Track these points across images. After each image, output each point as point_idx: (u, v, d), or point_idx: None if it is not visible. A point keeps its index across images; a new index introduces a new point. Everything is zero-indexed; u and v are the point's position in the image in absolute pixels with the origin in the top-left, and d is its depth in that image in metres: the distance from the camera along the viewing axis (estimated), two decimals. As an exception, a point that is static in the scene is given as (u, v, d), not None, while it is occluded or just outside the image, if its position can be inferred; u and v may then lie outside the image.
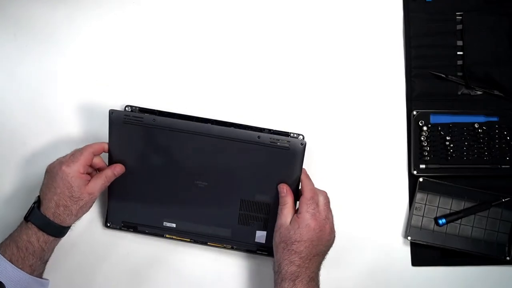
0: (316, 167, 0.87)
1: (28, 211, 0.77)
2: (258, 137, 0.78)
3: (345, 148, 0.88)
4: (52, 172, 0.77)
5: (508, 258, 0.85)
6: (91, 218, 0.87)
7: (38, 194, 0.79)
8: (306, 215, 0.74)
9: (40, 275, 0.78)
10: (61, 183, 0.76)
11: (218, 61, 0.90)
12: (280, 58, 0.90)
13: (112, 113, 0.79)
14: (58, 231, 0.77)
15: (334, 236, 0.77)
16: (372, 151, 0.88)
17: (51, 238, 0.77)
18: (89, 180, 0.78)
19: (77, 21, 0.90)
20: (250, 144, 0.78)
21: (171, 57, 0.90)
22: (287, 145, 0.77)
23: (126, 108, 0.85)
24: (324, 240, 0.75)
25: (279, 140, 0.78)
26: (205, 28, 0.90)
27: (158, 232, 0.85)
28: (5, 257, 0.74)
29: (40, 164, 0.87)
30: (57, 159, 0.79)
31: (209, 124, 0.79)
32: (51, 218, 0.76)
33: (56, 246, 0.79)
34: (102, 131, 0.87)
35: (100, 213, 0.87)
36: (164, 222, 0.84)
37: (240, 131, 0.78)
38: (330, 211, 0.77)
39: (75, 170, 0.76)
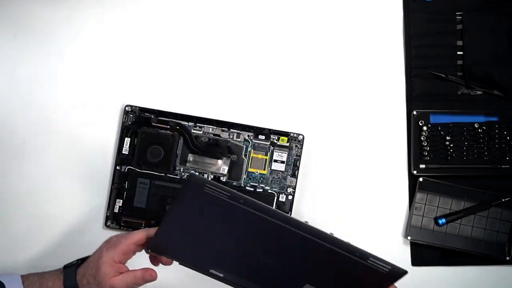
0: (316, 167, 0.87)
1: (71, 263, 0.73)
2: (355, 252, 0.64)
3: (345, 148, 0.88)
4: (101, 244, 0.73)
5: (508, 258, 0.85)
6: (92, 217, 0.87)
7: None
8: None
9: None
10: (94, 261, 0.71)
11: (218, 60, 0.90)
12: (280, 58, 0.90)
13: (191, 178, 0.64)
14: None
15: None
16: (372, 151, 0.88)
17: None
18: (122, 272, 0.71)
19: (77, 21, 0.90)
20: (342, 253, 0.64)
21: (171, 57, 0.90)
22: (386, 270, 0.63)
23: (126, 108, 0.85)
24: None
25: (378, 262, 0.64)
26: (205, 28, 0.90)
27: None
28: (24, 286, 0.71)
29: (40, 164, 0.87)
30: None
31: (302, 222, 0.65)
32: (77, 281, 0.71)
33: (61, 252, 0.77)
34: (102, 132, 0.88)
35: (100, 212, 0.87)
36: (211, 270, 0.71)
37: (340, 241, 0.65)
38: None
39: (109, 257, 0.70)
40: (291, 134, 0.84)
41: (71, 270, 0.72)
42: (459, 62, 0.88)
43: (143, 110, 0.86)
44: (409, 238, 0.85)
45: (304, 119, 0.88)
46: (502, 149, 0.86)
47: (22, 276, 0.73)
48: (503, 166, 0.86)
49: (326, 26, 0.90)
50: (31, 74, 0.90)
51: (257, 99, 0.89)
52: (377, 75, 0.89)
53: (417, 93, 0.88)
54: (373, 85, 0.89)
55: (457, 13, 0.88)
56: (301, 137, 0.84)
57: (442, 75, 0.88)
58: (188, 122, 0.85)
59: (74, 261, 0.73)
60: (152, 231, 0.70)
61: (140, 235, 0.71)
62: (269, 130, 0.84)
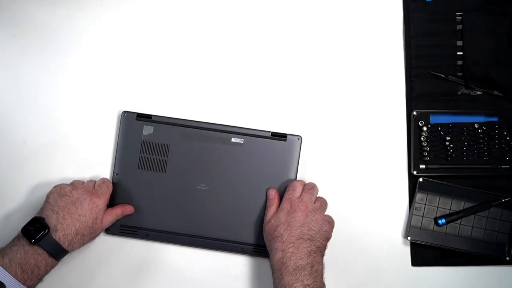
0: (316, 167, 0.87)
1: (38, 235, 0.74)
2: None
3: (345, 148, 0.88)
4: (75, 198, 0.77)
5: (508, 258, 0.85)
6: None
7: (36, 213, 0.78)
8: (283, 202, 0.78)
9: None
10: (89, 212, 0.76)
11: (214, 65, 0.89)
12: (280, 59, 0.89)
13: (124, 114, 0.84)
14: (64, 255, 0.77)
15: (326, 225, 0.79)
16: (372, 151, 0.88)
17: (56, 262, 0.76)
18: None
19: (78, 22, 0.90)
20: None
21: (170, 60, 0.90)
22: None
23: (124, 114, 0.85)
24: (300, 221, 0.76)
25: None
26: (202, 31, 0.90)
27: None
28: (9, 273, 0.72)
29: (40, 164, 0.87)
30: (74, 185, 0.80)
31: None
32: (65, 245, 0.75)
33: None
34: (102, 131, 0.88)
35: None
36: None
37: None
38: (310, 195, 0.80)
39: (103, 203, 0.78)
40: (289, 136, 0.84)
41: (50, 239, 0.74)
42: (459, 62, 0.88)
43: (140, 115, 0.85)
44: (409, 238, 0.85)
45: (304, 119, 0.88)
46: (502, 149, 0.86)
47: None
48: (503, 166, 0.86)
49: (327, 26, 0.90)
50: (31, 74, 0.90)
51: (257, 100, 0.89)
52: (377, 75, 0.89)
53: (417, 93, 0.88)
54: (373, 85, 0.89)
55: (457, 13, 0.88)
56: (299, 138, 0.84)
57: (442, 75, 0.88)
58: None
59: (43, 232, 0.74)
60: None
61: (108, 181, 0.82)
62: (268, 132, 0.84)
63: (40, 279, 0.76)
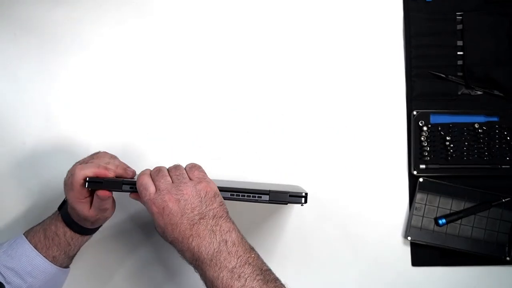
0: (316, 167, 0.87)
1: (62, 201, 0.77)
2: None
3: (345, 148, 0.88)
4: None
5: (508, 258, 0.85)
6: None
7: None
8: (146, 207, 0.66)
9: (65, 268, 0.77)
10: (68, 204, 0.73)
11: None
12: (280, 58, 0.89)
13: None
14: (81, 229, 0.76)
15: (200, 186, 0.66)
16: (372, 151, 0.88)
17: (77, 235, 0.75)
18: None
19: (78, 21, 0.90)
20: None
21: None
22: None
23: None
24: (177, 212, 0.64)
25: None
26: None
27: None
28: (31, 243, 0.74)
29: (40, 164, 0.87)
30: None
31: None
32: (74, 218, 0.74)
33: None
34: (101, 131, 0.88)
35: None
36: None
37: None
38: (162, 179, 0.66)
39: (69, 198, 0.72)
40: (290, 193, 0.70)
41: (66, 206, 0.75)
42: (459, 62, 0.88)
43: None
44: (409, 238, 0.85)
45: (303, 118, 0.88)
46: (502, 149, 0.86)
47: (25, 233, 0.75)
48: (503, 166, 0.86)
49: (327, 26, 0.90)
50: (31, 74, 0.89)
51: (256, 106, 0.89)
52: (377, 75, 0.89)
53: (417, 93, 0.88)
54: (373, 85, 0.89)
55: (457, 13, 0.88)
56: (302, 199, 0.70)
57: (442, 75, 0.88)
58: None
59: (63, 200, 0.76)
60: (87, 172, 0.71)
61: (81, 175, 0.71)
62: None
63: (65, 253, 0.75)
